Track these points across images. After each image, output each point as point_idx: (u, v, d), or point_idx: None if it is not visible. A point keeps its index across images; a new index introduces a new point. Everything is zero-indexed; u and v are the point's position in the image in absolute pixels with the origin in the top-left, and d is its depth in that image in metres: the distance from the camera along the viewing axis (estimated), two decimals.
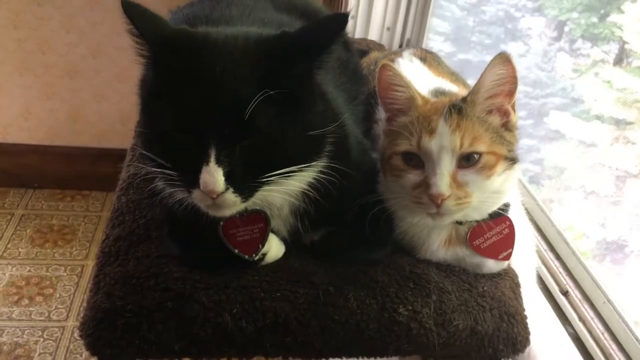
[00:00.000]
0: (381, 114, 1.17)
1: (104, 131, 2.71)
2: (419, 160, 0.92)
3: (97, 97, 2.66)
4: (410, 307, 0.93)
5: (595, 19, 1.55)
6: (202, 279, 0.90)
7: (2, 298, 2.21)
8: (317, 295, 0.92)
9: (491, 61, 0.90)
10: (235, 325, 0.88)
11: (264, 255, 0.95)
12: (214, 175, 0.78)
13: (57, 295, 2.26)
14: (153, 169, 0.86)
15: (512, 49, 2.05)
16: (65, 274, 2.36)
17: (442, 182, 0.88)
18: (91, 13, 2.48)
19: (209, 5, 1.18)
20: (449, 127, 0.89)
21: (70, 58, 2.56)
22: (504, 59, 0.89)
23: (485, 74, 0.91)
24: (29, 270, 2.35)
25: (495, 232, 0.99)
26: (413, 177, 0.92)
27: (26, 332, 2.10)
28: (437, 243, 1.01)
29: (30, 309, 2.19)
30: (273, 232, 0.96)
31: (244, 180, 0.81)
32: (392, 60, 1.28)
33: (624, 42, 1.41)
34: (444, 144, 0.89)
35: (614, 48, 1.50)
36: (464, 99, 0.93)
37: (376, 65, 1.31)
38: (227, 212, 0.85)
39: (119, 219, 1.03)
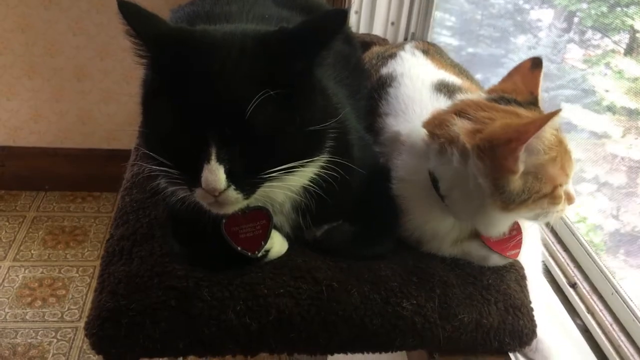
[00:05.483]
0: (386, 108, 1.16)
1: (113, 132, 2.73)
2: None
3: (105, 98, 2.68)
4: (415, 302, 0.93)
5: (605, 9, 1.53)
6: (205, 276, 0.90)
7: (15, 300, 2.24)
8: (320, 291, 0.91)
9: None
10: (239, 322, 0.88)
11: (267, 251, 0.94)
12: (216, 174, 0.77)
13: (70, 296, 2.28)
14: (155, 167, 0.86)
15: (521, 41, 2.03)
16: (77, 275, 2.38)
17: None
18: (97, 15, 2.49)
19: (209, 3, 1.18)
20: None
21: (78, 60, 2.58)
22: None
23: None
24: (42, 272, 2.37)
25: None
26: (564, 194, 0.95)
27: (40, 333, 2.12)
28: (450, 240, 1.01)
29: (44, 310, 2.21)
30: (276, 228, 0.96)
31: (246, 177, 0.80)
32: (395, 54, 1.28)
33: (635, 32, 1.39)
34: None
35: (624, 38, 1.48)
36: None
37: (378, 59, 1.30)
38: (229, 210, 0.85)
39: (122, 219, 1.03)
